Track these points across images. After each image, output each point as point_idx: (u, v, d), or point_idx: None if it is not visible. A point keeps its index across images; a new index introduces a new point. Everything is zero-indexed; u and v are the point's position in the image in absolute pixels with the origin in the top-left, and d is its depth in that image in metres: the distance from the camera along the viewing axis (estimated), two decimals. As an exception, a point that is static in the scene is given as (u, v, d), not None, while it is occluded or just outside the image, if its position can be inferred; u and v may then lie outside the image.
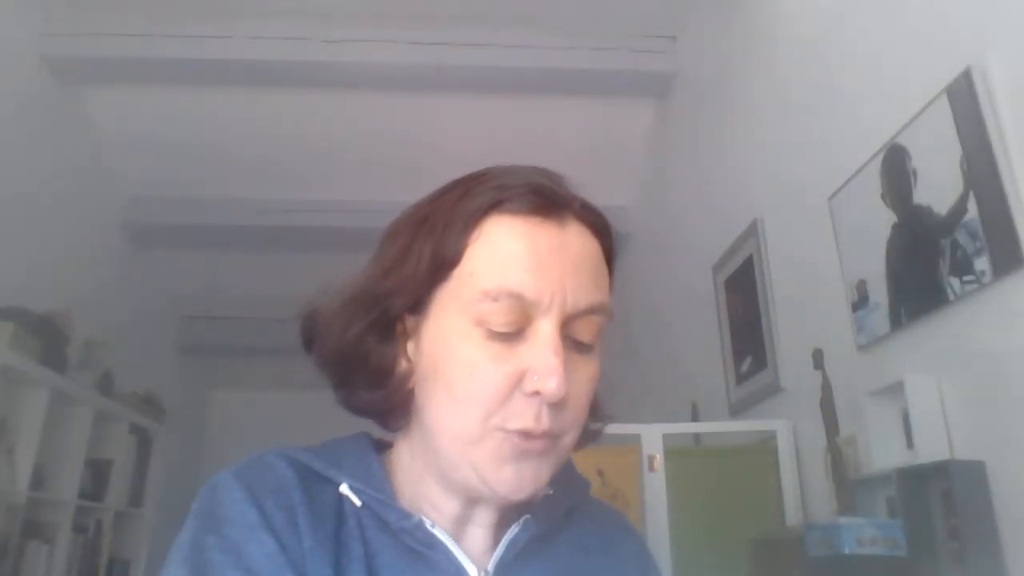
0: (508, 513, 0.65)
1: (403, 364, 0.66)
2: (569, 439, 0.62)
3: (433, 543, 0.62)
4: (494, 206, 0.62)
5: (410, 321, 0.65)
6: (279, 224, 4.08)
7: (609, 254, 0.67)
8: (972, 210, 1.44)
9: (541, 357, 0.59)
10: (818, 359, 2.03)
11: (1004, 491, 1.34)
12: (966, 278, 1.46)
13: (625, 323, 4.18)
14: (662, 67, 3.34)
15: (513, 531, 0.65)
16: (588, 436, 0.69)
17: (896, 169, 1.70)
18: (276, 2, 3.06)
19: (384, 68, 3.24)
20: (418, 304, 0.64)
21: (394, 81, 3.33)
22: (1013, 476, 1.33)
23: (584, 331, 0.62)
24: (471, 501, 0.64)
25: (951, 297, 1.50)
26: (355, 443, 0.69)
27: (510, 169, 0.66)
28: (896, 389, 1.59)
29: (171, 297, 4.94)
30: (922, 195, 1.60)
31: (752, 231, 2.52)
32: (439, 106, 3.52)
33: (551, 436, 0.60)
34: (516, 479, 0.60)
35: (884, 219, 1.73)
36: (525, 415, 0.59)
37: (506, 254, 0.60)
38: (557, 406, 0.59)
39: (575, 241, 0.63)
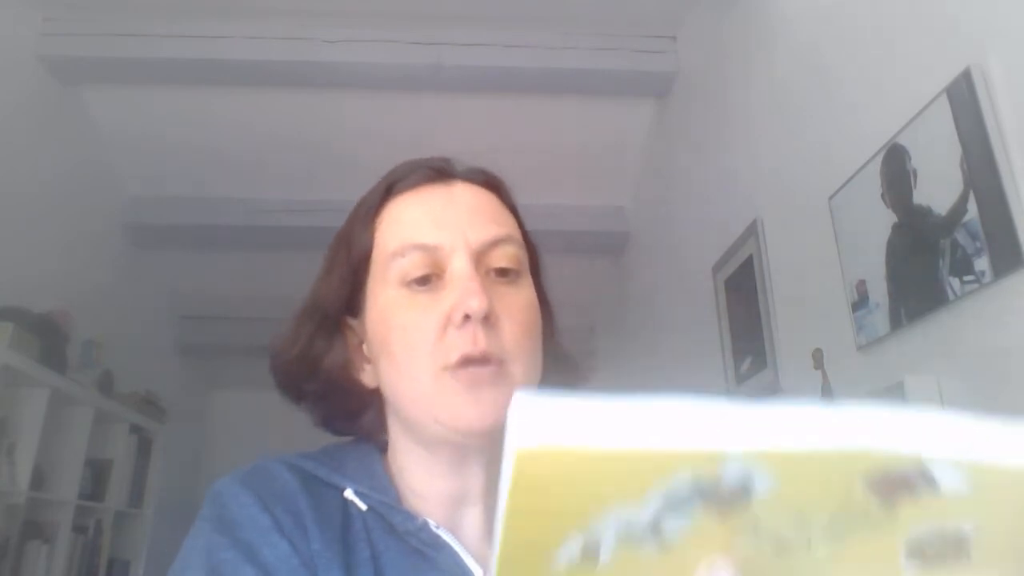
0: (494, 480, 0.65)
1: (362, 366, 0.70)
2: (518, 368, 0.63)
3: (438, 544, 0.62)
4: (388, 192, 0.70)
5: (355, 323, 0.70)
6: (280, 224, 4.07)
7: (508, 203, 0.73)
8: (972, 210, 1.44)
9: (458, 285, 0.63)
10: (818, 359, 2.03)
11: (1004, 491, 1.34)
12: (966, 278, 1.46)
13: (623, 322, 4.18)
14: (662, 67, 3.33)
15: None
16: (558, 374, 0.71)
17: (896, 169, 1.70)
18: (276, 2, 3.06)
19: (384, 68, 3.24)
20: (355, 305, 0.70)
21: (394, 81, 3.33)
22: (1013, 476, 1.33)
23: (499, 259, 0.66)
24: (454, 468, 0.65)
25: (951, 297, 1.50)
26: (358, 447, 0.71)
27: (404, 162, 0.73)
28: (896, 389, 1.58)
29: (171, 297, 4.94)
30: (922, 195, 1.60)
31: (752, 231, 2.52)
32: (439, 106, 3.51)
33: (495, 360, 0.62)
34: (476, 409, 0.61)
35: (884, 219, 1.73)
36: (462, 342, 0.61)
37: (404, 219, 0.67)
38: (490, 325, 0.62)
39: (465, 194, 0.69)
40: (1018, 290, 1.35)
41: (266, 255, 4.47)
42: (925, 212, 1.58)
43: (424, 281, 0.64)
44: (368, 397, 0.70)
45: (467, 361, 0.61)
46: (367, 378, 0.69)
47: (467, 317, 0.61)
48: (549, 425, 0.31)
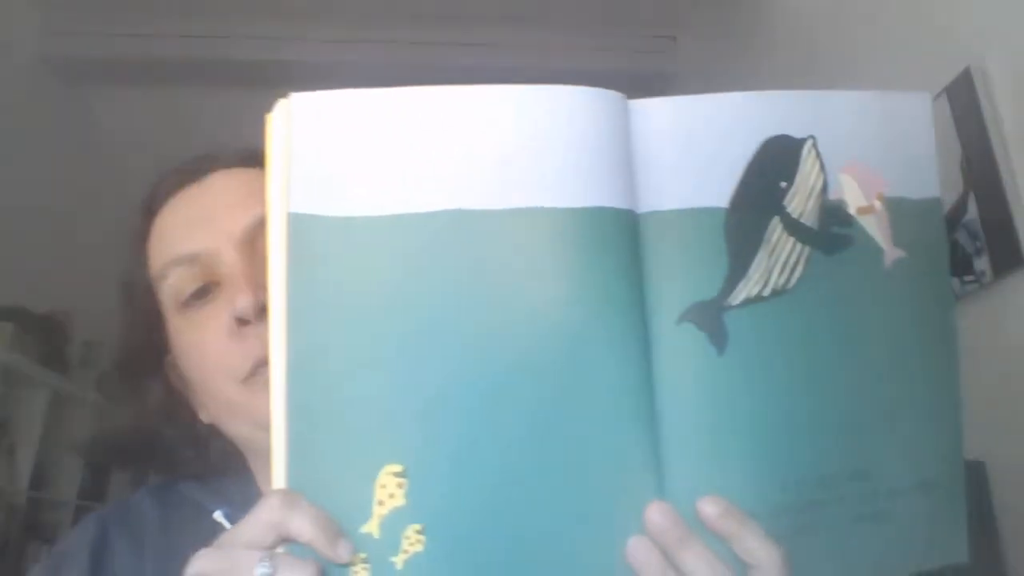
0: None
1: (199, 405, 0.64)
2: None
3: None
4: (149, 212, 0.63)
5: (170, 360, 0.64)
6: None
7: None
8: (972, 210, 1.44)
9: (228, 281, 0.57)
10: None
11: (1004, 491, 1.34)
12: (966, 278, 1.46)
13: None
14: (662, 67, 3.33)
15: None
16: None
17: (896, 169, 1.69)
18: (276, 2, 3.06)
19: (384, 68, 3.23)
20: (162, 346, 0.63)
21: (394, 81, 3.30)
22: (1013, 476, 1.33)
23: None
24: None
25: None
26: (243, 472, 0.65)
27: (160, 172, 0.67)
28: (896, 389, 1.58)
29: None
30: (922, 195, 1.60)
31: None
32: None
33: None
34: None
35: (884, 219, 1.72)
36: (249, 347, 0.55)
37: (163, 236, 0.61)
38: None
39: (220, 183, 0.62)
40: (1018, 290, 1.35)
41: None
42: (925, 212, 1.58)
43: (202, 294, 0.58)
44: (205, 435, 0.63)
45: (262, 364, 0.54)
46: (206, 415, 0.62)
47: (244, 320, 0.55)
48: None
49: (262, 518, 0.37)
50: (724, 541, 0.39)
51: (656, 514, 0.39)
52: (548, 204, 0.39)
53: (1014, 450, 1.33)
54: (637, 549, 0.38)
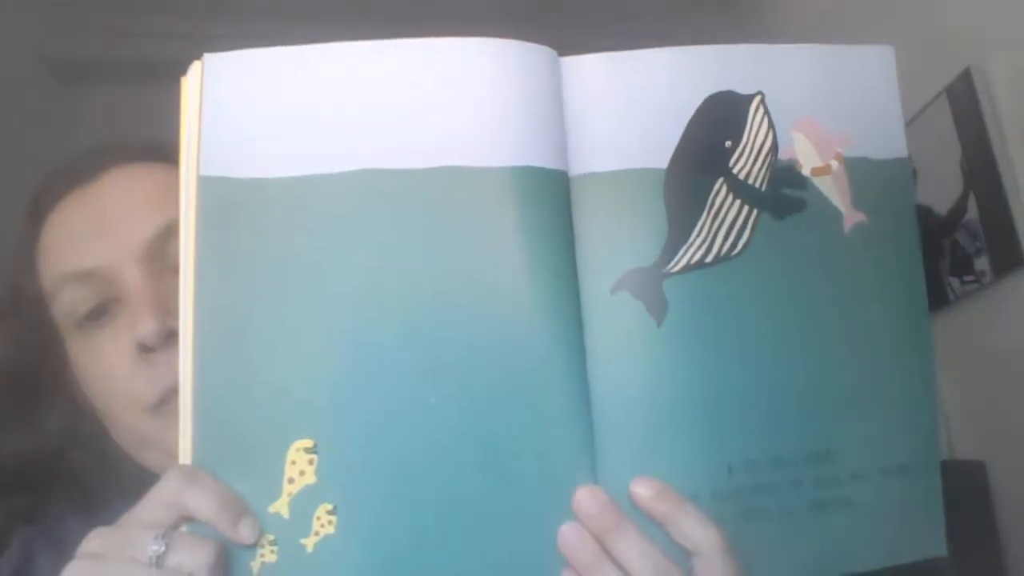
0: None
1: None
2: None
3: None
4: (35, 217, 0.55)
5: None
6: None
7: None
8: (972, 210, 1.43)
9: (129, 299, 0.49)
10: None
11: (1004, 491, 1.33)
12: (966, 278, 1.45)
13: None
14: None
15: None
16: None
17: (897, 170, 1.68)
18: (276, 2, 3.08)
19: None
20: (60, 363, 0.54)
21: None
22: (1013, 476, 1.32)
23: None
24: None
25: (951, 297, 1.48)
26: None
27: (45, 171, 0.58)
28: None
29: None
30: (922, 195, 1.59)
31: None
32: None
33: None
34: None
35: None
36: (156, 374, 0.48)
37: (51, 247, 0.52)
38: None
39: (117, 184, 0.53)
40: (1018, 290, 1.33)
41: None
42: (925, 212, 1.57)
43: (100, 313, 0.50)
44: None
45: (172, 392, 0.46)
46: (116, 438, 0.54)
47: (147, 348, 0.47)
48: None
49: (160, 495, 0.35)
50: (659, 525, 0.36)
51: (586, 498, 0.36)
52: (469, 163, 0.36)
53: (1014, 450, 1.32)
54: (568, 536, 0.36)
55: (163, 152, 0.54)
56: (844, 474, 0.40)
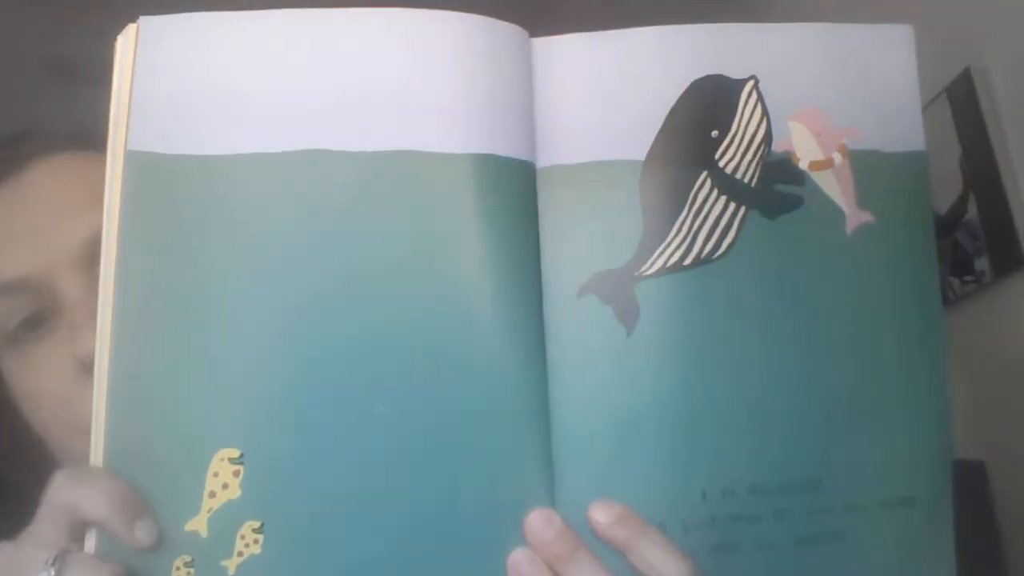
0: None
1: None
2: None
3: None
4: None
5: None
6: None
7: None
8: (972, 210, 1.42)
9: (67, 309, 0.44)
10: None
11: (1004, 491, 1.32)
12: (966, 278, 1.44)
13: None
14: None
15: None
16: None
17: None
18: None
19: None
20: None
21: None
22: (1013, 476, 1.31)
23: None
24: None
25: (951, 297, 1.47)
26: None
27: None
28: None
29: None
30: (922, 195, 1.59)
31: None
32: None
33: None
34: None
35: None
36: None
37: None
38: None
39: (39, 180, 0.47)
40: (1018, 290, 1.32)
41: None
42: (925, 212, 1.57)
43: (34, 325, 0.44)
44: None
45: None
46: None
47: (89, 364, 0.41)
48: None
49: (50, 502, 0.31)
50: (621, 553, 0.32)
51: (539, 522, 0.32)
52: (425, 148, 0.33)
53: (1014, 450, 1.31)
54: (518, 563, 0.32)
55: (94, 138, 0.45)
56: (837, 505, 0.35)
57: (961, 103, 1.45)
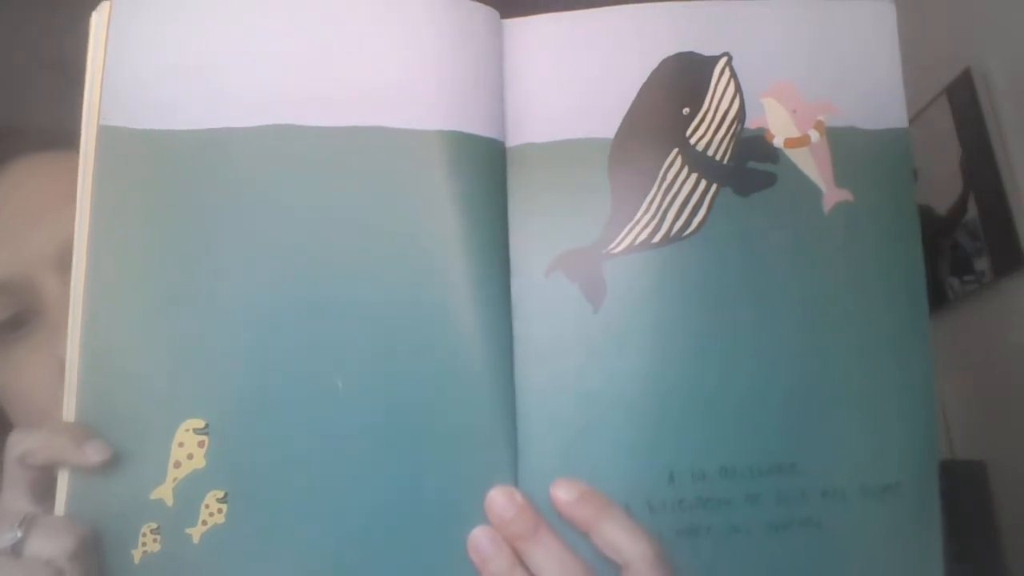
0: None
1: None
2: None
3: None
4: None
5: None
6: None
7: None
8: (972, 210, 1.41)
9: (50, 309, 0.44)
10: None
11: (1004, 491, 1.31)
12: (966, 278, 1.43)
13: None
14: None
15: None
16: None
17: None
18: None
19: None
20: None
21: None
22: (1013, 476, 1.30)
23: None
24: None
25: (951, 297, 1.46)
26: None
27: None
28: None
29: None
30: (922, 195, 1.57)
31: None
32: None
33: None
34: None
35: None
36: None
37: None
38: None
39: (18, 180, 0.47)
40: (1018, 290, 1.32)
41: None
42: (925, 212, 1.56)
43: (17, 325, 0.44)
44: None
45: None
46: None
47: None
48: None
49: (8, 460, 0.31)
50: (583, 533, 0.32)
51: (500, 499, 0.31)
52: (394, 124, 0.33)
53: (1014, 450, 1.30)
54: (479, 541, 0.31)
55: (76, 137, 0.44)
56: (812, 490, 0.34)
57: (961, 103, 1.44)
